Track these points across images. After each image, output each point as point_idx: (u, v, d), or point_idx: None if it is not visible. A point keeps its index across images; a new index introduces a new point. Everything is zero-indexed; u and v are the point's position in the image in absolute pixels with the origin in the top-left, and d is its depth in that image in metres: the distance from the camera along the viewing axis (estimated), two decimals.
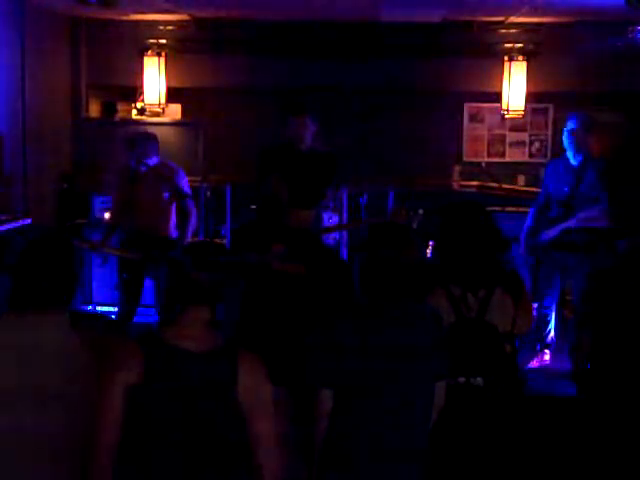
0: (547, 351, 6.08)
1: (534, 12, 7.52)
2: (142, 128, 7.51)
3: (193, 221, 6.26)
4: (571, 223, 5.70)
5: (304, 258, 4.36)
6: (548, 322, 6.06)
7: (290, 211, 4.82)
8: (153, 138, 6.30)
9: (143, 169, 6.12)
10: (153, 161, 6.17)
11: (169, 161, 6.39)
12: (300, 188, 5.08)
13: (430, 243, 5.94)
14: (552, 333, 6.09)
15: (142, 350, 2.66)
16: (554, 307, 6.06)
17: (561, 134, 6.01)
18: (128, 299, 6.25)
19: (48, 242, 3.07)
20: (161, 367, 2.64)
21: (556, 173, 5.96)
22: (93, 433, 2.65)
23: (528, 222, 6.06)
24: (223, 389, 2.67)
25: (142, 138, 6.27)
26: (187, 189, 6.24)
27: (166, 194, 6.11)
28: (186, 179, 6.30)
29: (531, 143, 8.61)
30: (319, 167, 5.48)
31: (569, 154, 5.87)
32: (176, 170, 6.24)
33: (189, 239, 6.20)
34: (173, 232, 6.30)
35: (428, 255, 5.60)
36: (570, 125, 5.84)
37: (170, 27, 8.53)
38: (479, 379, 3.23)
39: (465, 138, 8.78)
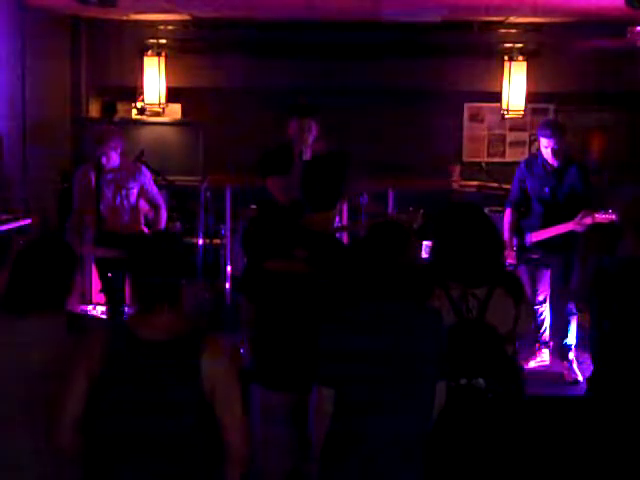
0: (545, 350, 6.09)
1: (534, 12, 7.51)
2: (142, 128, 7.48)
3: (163, 216, 6.27)
4: (572, 227, 5.68)
5: (326, 261, 4.34)
6: (543, 320, 6.07)
7: (309, 214, 4.81)
8: (117, 133, 6.28)
9: (110, 166, 6.08)
10: (116, 158, 6.12)
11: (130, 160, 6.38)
12: (308, 191, 5.10)
13: (426, 244, 5.93)
14: (547, 332, 6.09)
15: (105, 338, 2.75)
16: (547, 305, 6.06)
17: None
18: (116, 298, 6.23)
19: (45, 243, 3.11)
20: (120, 355, 2.71)
21: (533, 173, 5.95)
22: (56, 410, 2.75)
23: (507, 221, 6.05)
24: (185, 376, 2.70)
25: (108, 134, 6.22)
26: (153, 187, 6.25)
27: (134, 191, 6.11)
28: (149, 175, 6.29)
29: (531, 143, 8.60)
30: (323, 169, 5.46)
31: (547, 155, 5.85)
32: (139, 167, 6.24)
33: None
34: (143, 228, 6.28)
35: (426, 255, 5.60)
36: (553, 130, 5.81)
37: (170, 27, 8.53)
38: (481, 380, 3.23)
39: (465, 138, 8.78)
